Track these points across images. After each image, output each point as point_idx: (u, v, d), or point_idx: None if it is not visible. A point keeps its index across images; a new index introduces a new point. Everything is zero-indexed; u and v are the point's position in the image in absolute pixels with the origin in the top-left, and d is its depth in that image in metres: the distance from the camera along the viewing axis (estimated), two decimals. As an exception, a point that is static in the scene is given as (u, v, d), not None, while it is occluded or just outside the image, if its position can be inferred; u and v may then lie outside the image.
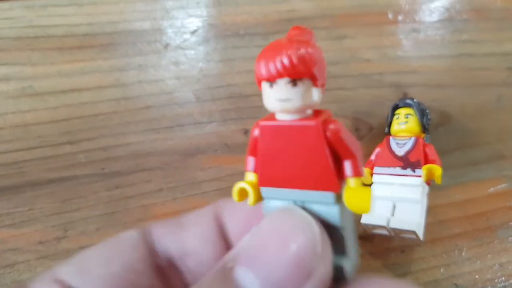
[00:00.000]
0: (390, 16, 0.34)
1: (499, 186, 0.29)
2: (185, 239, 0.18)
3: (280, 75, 0.14)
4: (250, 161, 0.17)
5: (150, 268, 0.18)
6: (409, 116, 0.28)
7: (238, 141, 0.28)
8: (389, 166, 0.27)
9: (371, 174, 0.27)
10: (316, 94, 0.15)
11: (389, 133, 0.28)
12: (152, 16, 0.31)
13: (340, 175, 0.15)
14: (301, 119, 0.15)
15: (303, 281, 0.13)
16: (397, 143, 0.27)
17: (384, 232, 0.24)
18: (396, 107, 0.29)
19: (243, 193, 0.16)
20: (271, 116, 0.16)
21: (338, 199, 0.15)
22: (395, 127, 0.28)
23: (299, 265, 0.13)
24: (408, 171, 0.26)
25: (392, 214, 0.24)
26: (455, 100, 0.31)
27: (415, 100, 0.28)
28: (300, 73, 0.15)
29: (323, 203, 0.16)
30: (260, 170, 0.16)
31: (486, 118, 0.31)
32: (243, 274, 0.14)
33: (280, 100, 0.15)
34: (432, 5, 0.35)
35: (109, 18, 0.31)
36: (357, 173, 0.15)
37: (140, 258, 0.18)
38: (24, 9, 0.31)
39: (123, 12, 0.31)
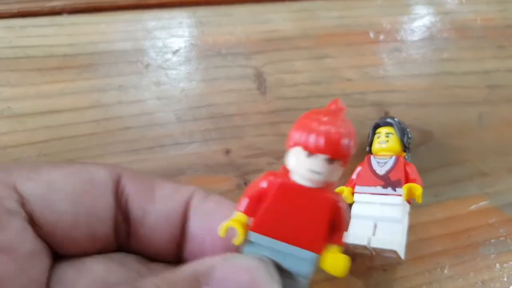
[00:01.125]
0: (371, 35, 0.34)
1: (480, 204, 0.29)
2: (150, 209, 0.18)
3: (323, 151, 0.16)
4: (245, 202, 0.18)
5: (111, 219, 0.18)
6: (389, 135, 0.28)
7: (219, 161, 0.28)
8: (370, 185, 0.26)
9: (352, 193, 0.27)
10: (339, 174, 0.17)
11: (370, 152, 0.28)
12: (134, 36, 0.31)
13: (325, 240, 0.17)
14: (316, 188, 0.17)
15: None
16: (378, 162, 0.27)
17: (366, 251, 0.24)
18: (377, 126, 0.29)
19: (227, 231, 0.17)
20: (285, 174, 0.18)
21: (316, 260, 0.17)
22: (376, 146, 0.28)
23: None
24: (389, 190, 0.26)
25: (373, 234, 0.24)
26: (436, 118, 0.32)
27: (395, 119, 0.28)
28: (340, 156, 0.16)
29: (301, 259, 0.17)
30: (260, 217, 0.17)
31: (467, 136, 0.32)
32: None
33: (312, 171, 0.16)
34: (413, 24, 0.35)
35: (90, 39, 0.31)
36: (341, 243, 0.17)
37: (106, 207, 0.17)
38: (3, 30, 0.31)
39: (104, 33, 0.31)
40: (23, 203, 0.16)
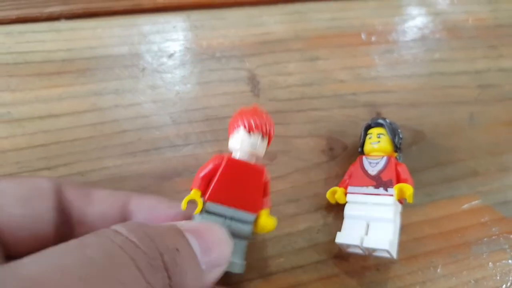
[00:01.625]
0: (363, 37, 0.34)
1: (473, 203, 0.29)
2: (88, 210, 0.20)
3: (259, 131, 0.24)
4: (198, 181, 0.23)
5: (53, 221, 0.19)
6: (381, 135, 0.28)
7: (214, 163, 0.29)
8: (362, 185, 0.27)
9: (345, 194, 0.27)
10: (264, 150, 0.24)
11: (362, 153, 0.29)
12: (130, 41, 0.32)
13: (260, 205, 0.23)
14: (253, 164, 0.24)
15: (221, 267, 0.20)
16: (370, 163, 0.27)
17: (359, 251, 0.25)
18: (368, 127, 0.29)
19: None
20: (228, 156, 0.24)
21: (254, 220, 0.23)
22: (368, 146, 0.28)
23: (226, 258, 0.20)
24: (381, 190, 0.26)
25: (366, 233, 0.25)
26: (428, 119, 0.32)
27: (387, 120, 0.28)
28: (267, 135, 0.24)
29: (243, 221, 0.23)
30: (213, 189, 0.23)
31: (459, 135, 0.32)
32: (190, 237, 0.18)
33: (252, 146, 0.23)
34: (405, 25, 0.36)
35: (87, 44, 0.31)
36: (269, 206, 0.24)
37: (49, 210, 0.19)
38: (3, 36, 0.31)
39: (101, 38, 0.32)
40: None
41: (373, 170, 0.27)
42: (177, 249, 0.17)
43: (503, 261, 0.28)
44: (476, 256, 0.28)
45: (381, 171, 0.27)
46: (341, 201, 0.27)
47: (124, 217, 0.21)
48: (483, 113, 0.33)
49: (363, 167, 0.27)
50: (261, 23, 0.34)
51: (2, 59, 0.31)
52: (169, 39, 0.33)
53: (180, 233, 0.18)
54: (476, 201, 0.30)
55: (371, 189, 0.26)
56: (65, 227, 0.20)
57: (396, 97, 0.33)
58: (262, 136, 0.24)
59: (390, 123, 0.28)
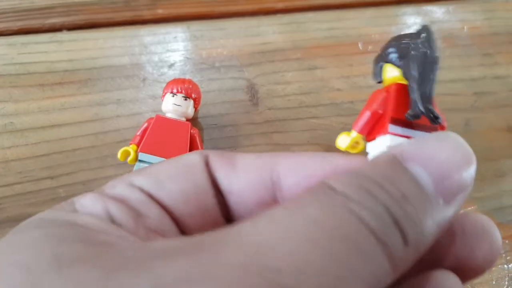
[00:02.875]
0: (360, 46, 0.35)
1: (469, 209, 0.30)
2: (233, 178, 0.19)
3: (181, 92, 0.28)
4: (136, 138, 0.27)
5: (213, 193, 0.18)
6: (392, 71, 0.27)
7: (214, 172, 0.29)
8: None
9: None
10: (192, 111, 0.28)
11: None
12: (131, 51, 0.33)
13: None
14: (178, 120, 0.28)
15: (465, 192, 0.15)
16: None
17: None
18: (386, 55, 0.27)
19: (125, 154, 0.26)
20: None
21: None
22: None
23: (470, 178, 0.15)
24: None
25: None
26: (424, 126, 0.32)
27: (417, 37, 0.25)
28: (190, 96, 0.28)
29: None
30: (144, 141, 0.27)
31: (455, 142, 0.32)
32: (416, 169, 0.14)
33: (175, 104, 0.28)
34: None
35: (89, 54, 0.32)
36: None
37: (206, 181, 0.18)
38: (6, 47, 0.32)
39: (103, 48, 0.32)
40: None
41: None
42: (404, 195, 0.14)
43: (499, 266, 0.28)
44: (472, 262, 0.28)
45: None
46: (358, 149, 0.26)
47: (273, 181, 0.19)
48: (478, 120, 0.33)
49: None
50: (259, 33, 0.35)
51: (5, 70, 0.31)
52: (169, 49, 0.33)
53: (401, 168, 0.15)
54: (472, 207, 0.30)
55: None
56: (221, 198, 0.19)
57: (392, 105, 0.33)
58: (186, 97, 0.28)
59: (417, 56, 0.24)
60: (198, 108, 0.30)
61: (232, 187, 0.19)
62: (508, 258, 0.28)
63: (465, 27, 0.38)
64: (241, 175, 0.19)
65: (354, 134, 0.25)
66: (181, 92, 0.28)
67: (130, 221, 0.16)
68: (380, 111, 0.25)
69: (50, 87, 0.31)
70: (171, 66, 0.33)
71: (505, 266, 0.28)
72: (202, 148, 0.29)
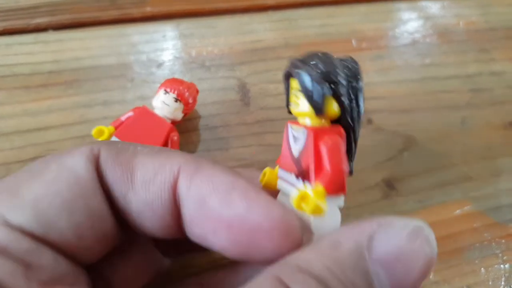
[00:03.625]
0: (354, 43, 0.34)
1: (465, 208, 0.29)
2: (131, 197, 0.16)
3: (173, 92, 0.27)
4: (117, 121, 0.27)
5: (109, 212, 0.16)
6: (299, 93, 0.18)
7: (205, 174, 0.28)
8: (286, 170, 0.19)
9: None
10: (179, 113, 0.27)
11: (290, 113, 0.20)
12: (118, 51, 0.32)
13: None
14: (162, 118, 0.27)
15: None
16: (294, 136, 0.19)
17: None
18: (289, 75, 0.19)
19: (99, 133, 0.26)
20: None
21: None
22: (291, 108, 0.19)
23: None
24: (300, 182, 0.18)
25: None
26: (419, 124, 0.32)
27: (313, 59, 0.18)
28: (181, 98, 0.27)
29: None
30: (121, 128, 0.26)
31: (451, 140, 0.32)
32: (377, 271, 0.14)
33: (164, 103, 0.27)
34: (396, 31, 0.36)
35: (75, 55, 0.31)
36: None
37: (100, 203, 0.16)
38: (-10, 48, 0.31)
39: (89, 48, 0.32)
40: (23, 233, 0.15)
41: (295, 149, 0.19)
42: None
43: (495, 266, 0.28)
44: (468, 262, 0.28)
45: (301, 152, 0.18)
46: (271, 187, 0.20)
47: (173, 204, 0.17)
48: (475, 117, 0.33)
49: (288, 141, 0.19)
50: (250, 30, 0.34)
51: (-11, 72, 0.30)
52: (158, 48, 0.32)
53: (364, 268, 0.14)
54: (469, 207, 0.30)
55: (293, 178, 0.19)
56: (117, 213, 0.17)
57: (387, 103, 0.32)
58: (177, 99, 0.27)
59: (308, 71, 0.18)
60: (188, 114, 0.29)
61: (129, 207, 0.16)
62: (504, 258, 0.28)
63: (461, 23, 0.37)
64: (139, 195, 0.16)
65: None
66: (173, 92, 0.27)
67: (18, 279, 0.13)
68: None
69: (35, 89, 0.30)
70: (160, 65, 0.32)
71: (502, 266, 0.28)
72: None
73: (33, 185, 0.15)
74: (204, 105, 0.30)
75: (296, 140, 0.19)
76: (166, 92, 0.27)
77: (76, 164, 0.16)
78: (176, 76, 0.31)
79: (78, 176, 0.16)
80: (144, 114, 0.27)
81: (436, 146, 0.31)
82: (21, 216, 0.14)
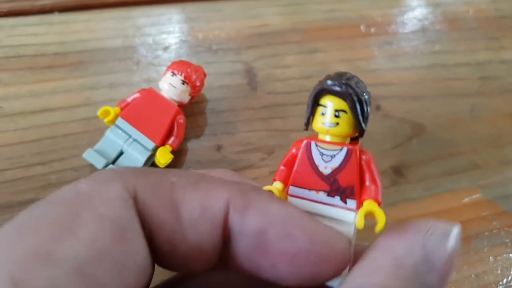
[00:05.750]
0: (362, 29, 0.34)
1: (473, 196, 0.29)
2: (179, 239, 0.15)
3: (180, 74, 0.27)
4: (124, 102, 0.27)
5: (151, 259, 0.14)
6: (340, 113, 0.18)
7: (211, 158, 0.28)
8: (310, 189, 0.19)
9: (287, 193, 0.19)
10: (186, 96, 0.27)
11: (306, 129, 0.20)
12: (124, 33, 0.31)
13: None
14: (170, 101, 0.27)
15: None
16: (322, 154, 0.19)
17: None
18: (320, 93, 0.19)
19: (105, 113, 0.26)
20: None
21: (153, 150, 0.26)
22: (318, 125, 0.19)
23: None
24: (337, 200, 0.18)
25: None
26: (428, 111, 0.31)
27: (353, 81, 0.18)
28: (189, 80, 0.27)
29: (144, 145, 0.26)
30: (127, 109, 0.26)
31: (460, 128, 0.31)
32: (432, 279, 0.14)
33: (171, 84, 0.27)
34: (405, 17, 0.35)
35: (80, 36, 0.31)
36: (173, 145, 0.27)
37: (146, 251, 0.14)
38: (-6, 29, 0.31)
39: (94, 30, 0.31)
40: None
41: (326, 167, 0.18)
42: None
43: (504, 255, 0.27)
44: (476, 250, 0.27)
45: (337, 170, 0.18)
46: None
47: (222, 242, 0.15)
48: (484, 105, 0.32)
49: (311, 158, 0.19)
50: (258, 15, 0.34)
51: (-6, 53, 0.30)
52: (164, 31, 0.32)
53: (423, 283, 0.14)
54: (477, 195, 0.29)
55: (322, 196, 0.18)
56: (151, 256, 0.15)
57: (396, 89, 0.32)
58: (184, 81, 0.27)
59: (357, 91, 0.18)
60: (195, 97, 0.29)
61: (177, 249, 0.15)
62: (513, 247, 0.28)
63: (471, 10, 0.37)
64: (189, 234, 0.15)
65: None
66: (181, 75, 0.27)
67: None
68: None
69: (40, 70, 0.30)
70: (166, 48, 0.31)
71: (511, 255, 0.27)
72: (180, 137, 0.27)
73: (69, 245, 0.12)
74: (210, 89, 0.30)
75: (328, 158, 0.19)
76: (174, 74, 0.27)
77: (116, 213, 0.13)
78: (183, 59, 0.31)
79: (123, 229, 0.13)
80: (151, 96, 0.27)
81: (444, 133, 0.31)
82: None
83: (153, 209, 0.14)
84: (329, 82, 0.18)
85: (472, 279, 0.26)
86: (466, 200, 0.29)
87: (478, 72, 0.34)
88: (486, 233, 0.28)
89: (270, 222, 0.15)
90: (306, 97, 0.31)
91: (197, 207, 0.15)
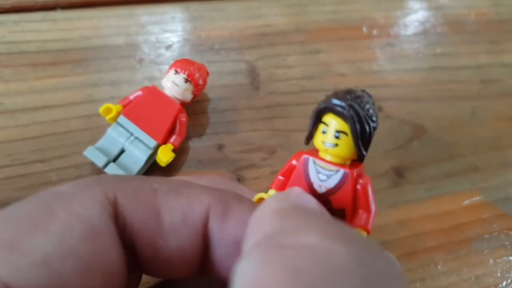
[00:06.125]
0: (364, 30, 0.34)
1: (474, 199, 0.29)
2: (160, 244, 0.15)
3: (183, 72, 0.27)
4: (126, 99, 0.27)
5: (124, 264, 0.14)
6: (340, 134, 0.18)
7: (212, 157, 0.28)
8: None
9: None
10: (188, 94, 0.27)
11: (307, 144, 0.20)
12: (127, 31, 0.31)
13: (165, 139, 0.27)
14: (172, 99, 0.27)
15: None
16: (318, 172, 0.18)
17: None
18: (323, 111, 0.18)
19: (107, 111, 0.26)
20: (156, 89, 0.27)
21: (155, 148, 0.26)
22: (318, 143, 0.18)
23: None
24: None
25: None
26: (429, 113, 0.32)
27: (360, 100, 0.18)
28: (192, 79, 0.27)
29: (145, 144, 0.26)
30: (130, 107, 0.26)
31: (461, 130, 0.32)
32: None
33: (174, 83, 0.27)
34: (407, 19, 0.35)
35: (83, 34, 0.31)
36: (175, 144, 0.26)
37: (117, 255, 0.14)
38: (-4, 25, 0.31)
39: (97, 28, 0.31)
40: None
41: (321, 185, 0.18)
42: None
43: (504, 258, 0.27)
44: (476, 253, 0.27)
45: (331, 191, 0.18)
46: None
47: (202, 248, 0.15)
48: (485, 108, 0.33)
49: (307, 174, 0.18)
50: (261, 15, 0.34)
51: (-5, 49, 0.30)
52: (167, 30, 0.32)
53: None
54: (477, 197, 0.29)
55: None
56: (131, 262, 0.15)
57: (397, 91, 0.32)
58: (187, 79, 0.27)
59: (361, 114, 0.17)
60: (198, 96, 0.29)
61: (158, 254, 0.15)
62: (513, 249, 0.28)
63: (472, 14, 0.37)
64: (170, 238, 0.15)
65: None
66: (184, 73, 0.27)
67: None
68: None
69: (42, 67, 0.29)
70: (168, 47, 0.31)
71: (511, 258, 0.27)
72: (182, 136, 0.27)
73: (38, 238, 0.12)
74: (213, 88, 0.30)
75: (324, 177, 0.18)
76: (177, 72, 0.27)
77: (90, 213, 0.13)
78: (185, 58, 0.31)
79: (94, 229, 0.13)
80: (153, 93, 0.27)
81: (445, 135, 0.31)
82: (26, 279, 0.12)
83: (134, 213, 0.14)
84: (334, 100, 0.18)
85: (472, 281, 0.26)
86: (466, 202, 0.29)
87: (479, 75, 0.34)
88: (486, 235, 0.28)
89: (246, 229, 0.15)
90: (308, 97, 0.31)
91: (178, 212, 0.15)
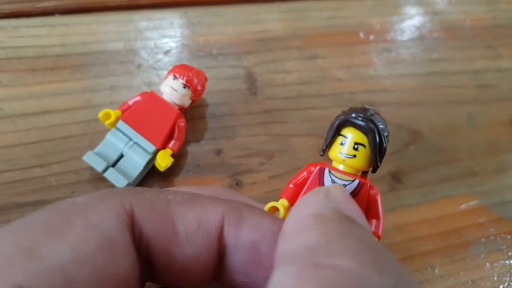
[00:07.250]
0: (361, 36, 0.34)
1: (470, 203, 0.29)
2: (176, 252, 0.15)
3: (182, 78, 0.27)
4: (125, 105, 0.27)
5: (137, 274, 0.15)
6: (359, 146, 0.19)
7: (211, 162, 0.28)
8: None
9: None
10: (187, 100, 0.27)
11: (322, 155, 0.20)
12: (125, 37, 0.32)
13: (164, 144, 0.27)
14: (171, 104, 0.27)
15: None
16: (334, 182, 0.19)
17: None
18: (343, 124, 0.19)
19: (106, 116, 0.26)
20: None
21: (154, 153, 0.26)
22: (335, 154, 0.19)
23: None
24: None
25: None
26: (426, 118, 0.32)
27: (377, 118, 0.19)
28: (190, 84, 0.27)
29: (144, 149, 0.26)
30: (128, 112, 0.26)
31: (457, 135, 0.32)
32: None
33: (173, 88, 0.27)
34: (403, 25, 0.36)
35: (82, 39, 0.31)
36: (173, 149, 0.27)
37: (131, 264, 0.14)
38: (-5, 31, 0.31)
39: (96, 33, 0.31)
40: None
41: None
42: None
43: (501, 262, 0.28)
44: (473, 257, 0.27)
45: None
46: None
47: (217, 256, 0.16)
48: (481, 113, 0.33)
49: (322, 184, 0.19)
50: (258, 20, 0.34)
51: (-5, 54, 0.30)
52: (165, 35, 0.32)
53: None
54: (474, 201, 0.29)
55: None
56: (147, 271, 0.16)
57: (394, 96, 0.32)
58: (186, 85, 0.27)
59: (380, 128, 0.19)
60: (196, 101, 0.29)
61: (174, 262, 0.15)
62: (509, 253, 0.28)
63: (468, 19, 0.37)
64: (185, 247, 0.15)
65: None
66: (182, 78, 0.27)
67: None
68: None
69: (41, 72, 0.30)
70: (167, 52, 0.32)
71: (507, 261, 0.28)
72: (181, 141, 0.27)
73: (56, 246, 0.13)
74: (211, 93, 0.30)
75: None
76: (175, 77, 0.27)
77: (107, 224, 0.14)
78: (184, 63, 0.31)
79: (110, 239, 0.14)
80: (152, 99, 0.27)
81: (442, 140, 0.31)
82: (42, 285, 0.12)
83: (150, 223, 0.15)
84: (354, 114, 0.19)
85: (469, 285, 0.27)
86: (463, 206, 0.29)
87: (475, 80, 0.34)
88: (482, 239, 0.28)
89: (262, 235, 0.16)
90: (306, 103, 0.31)
91: (193, 221, 0.15)
